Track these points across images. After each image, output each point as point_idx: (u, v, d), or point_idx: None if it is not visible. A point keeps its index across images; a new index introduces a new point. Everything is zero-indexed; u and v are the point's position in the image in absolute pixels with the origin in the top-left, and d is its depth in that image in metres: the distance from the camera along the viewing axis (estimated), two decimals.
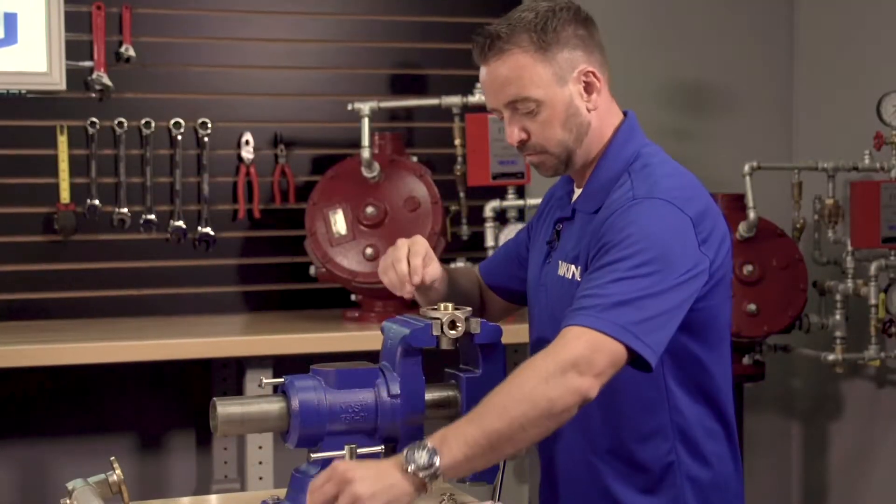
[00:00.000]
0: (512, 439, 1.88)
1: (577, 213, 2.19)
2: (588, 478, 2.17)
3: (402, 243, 2.19)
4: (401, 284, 2.16)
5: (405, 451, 1.84)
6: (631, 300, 1.95)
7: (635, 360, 1.96)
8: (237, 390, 3.66)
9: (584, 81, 2.13)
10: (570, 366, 1.89)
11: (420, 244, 2.18)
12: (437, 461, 1.83)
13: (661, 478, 2.13)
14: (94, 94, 3.78)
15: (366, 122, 3.67)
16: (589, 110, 2.15)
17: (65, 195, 3.74)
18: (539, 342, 2.23)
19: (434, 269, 2.19)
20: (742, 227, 3.76)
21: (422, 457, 1.83)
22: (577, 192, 2.22)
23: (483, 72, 2.15)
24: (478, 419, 1.88)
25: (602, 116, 2.17)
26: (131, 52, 3.78)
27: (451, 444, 1.86)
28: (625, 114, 2.22)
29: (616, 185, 2.12)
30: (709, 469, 2.16)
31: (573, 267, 2.13)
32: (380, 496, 1.81)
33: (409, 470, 1.83)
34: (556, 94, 2.11)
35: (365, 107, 3.69)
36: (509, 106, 2.14)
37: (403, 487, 1.83)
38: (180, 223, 3.85)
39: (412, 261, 2.15)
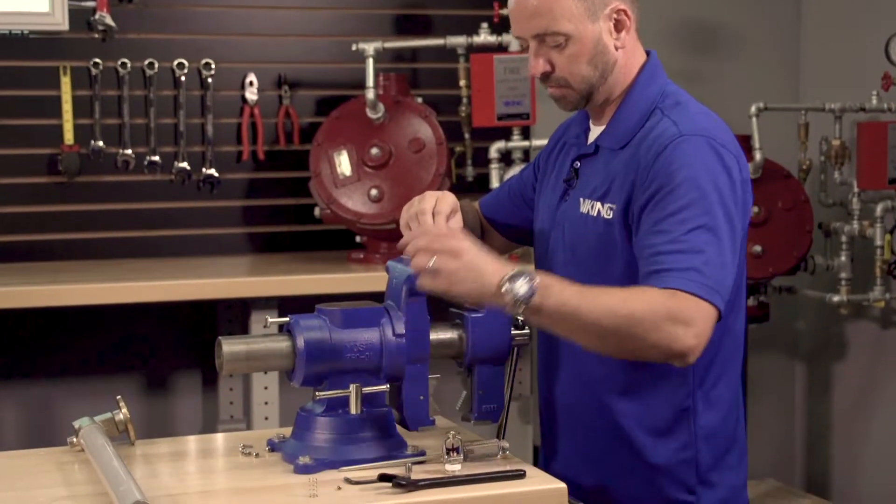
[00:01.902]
0: (587, 333, 1.94)
1: (600, 149, 2.18)
2: (600, 418, 2.17)
3: (430, 196, 2.19)
4: None
5: (511, 273, 1.89)
6: (712, 261, 1.96)
7: None
8: (243, 331, 3.67)
9: (615, 19, 2.12)
10: (682, 325, 1.91)
11: (447, 202, 2.18)
12: (531, 301, 1.89)
13: (675, 422, 2.14)
14: (96, 35, 3.76)
15: (370, 62, 3.65)
16: (617, 48, 2.14)
17: (69, 136, 3.73)
18: None
19: (457, 223, 2.19)
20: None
21: (522, 287, 1.89)
22: (597, 129, 2.21)
23: None
24: (583, 295, 1.92)
25: (628, 55, 2.16)
26: None
27: (551, 293, 1.91)
28: (647, 53, 2.21)
29: (648, 122, 2.12)
30: (719, 416, 2.17)
31: (599, 204, 2.12)
32: (466, 283, 1.91)
33: (503, 289, 1.89)
34: (587, 29, 2.10)
35: (369, 47, 3.67)
36: (537, 37, 2.13)
37: (488, 294, 1.91)
38: (184, 164, 3.85)
39: (437, 220, 2.14)
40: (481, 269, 1.92)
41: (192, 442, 2.30)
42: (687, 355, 1.94)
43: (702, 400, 2.14)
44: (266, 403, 3.51)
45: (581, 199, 2.17)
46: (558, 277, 1.96)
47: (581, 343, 1.98)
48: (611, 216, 2.09)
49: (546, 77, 2.15)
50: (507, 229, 2.43)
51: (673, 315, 1.91)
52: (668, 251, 1.97)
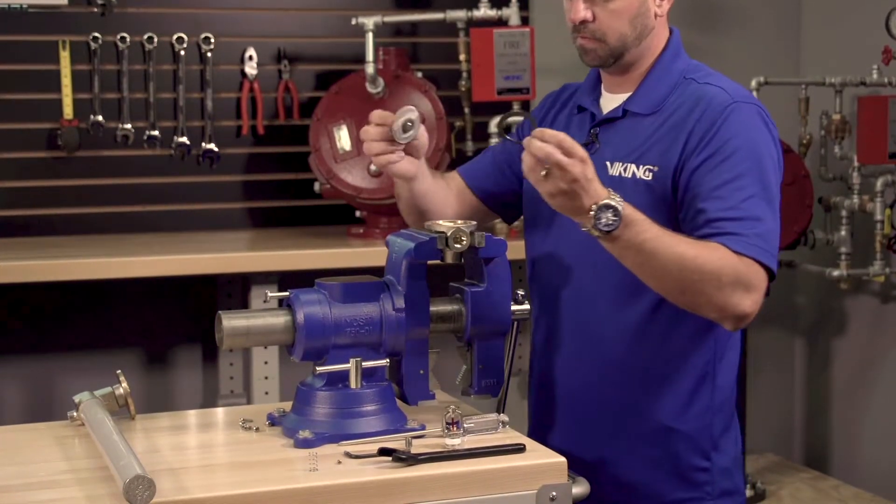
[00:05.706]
0: (654, 275, 1.99)
1: (628, 113, 2.19)
2: (619, 391, 2.19)
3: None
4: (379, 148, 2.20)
5: (602, 202, 1.93)
6: (771, 230, 2.04)
7: None
8: (243, 306, 3.67)
9: None
10: (743, 290, 1.98)
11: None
12: (613, 233, 1.94)
13: (697, 388, 2.16)
14: (96, 9, 3.75)
15: (370, 36, 3.64)
16: (656, 15, 2.18)
17: (68, 111, 3.73)
18: (551, 257, 2.22)
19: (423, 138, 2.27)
20: None
21: (608, 218, 1.93)
22: (615, 96, 2.23)
23: None
24: (660, 240, 1.96)
25: (661, 25, 2.21)
26: None
27: (633, 230, 1.95)
28: (670, 30, 2.25)
29: (680, 89, 2.15)
30: (728, 382, 2.20)
31: (633, 166, 2.14)
32: (563, 201, 1.94)
33: (591, 212, 1.93)
34: None
35: (369, 21, 3.66)
36: None
37: (576, 214, 1.96)
38: (184, 139, 3.84)
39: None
40: (580, 195, 1.94)
41: (192, 416, 2.31)
42: (742, 319, 2.00)
43: (719, 365, 2.18)
44: (266, 378, 3.51)
45: (608, 163, 2.18)
46: (643, 215, 1.99)
47: (644, 280, 2.02)
48: (650, 178, 2.12)
49: (583, 25, 2.16)
50: (490, 198, 2.40)
51: (739, 279, 1.97)
52: (729, 217, 2.02)
